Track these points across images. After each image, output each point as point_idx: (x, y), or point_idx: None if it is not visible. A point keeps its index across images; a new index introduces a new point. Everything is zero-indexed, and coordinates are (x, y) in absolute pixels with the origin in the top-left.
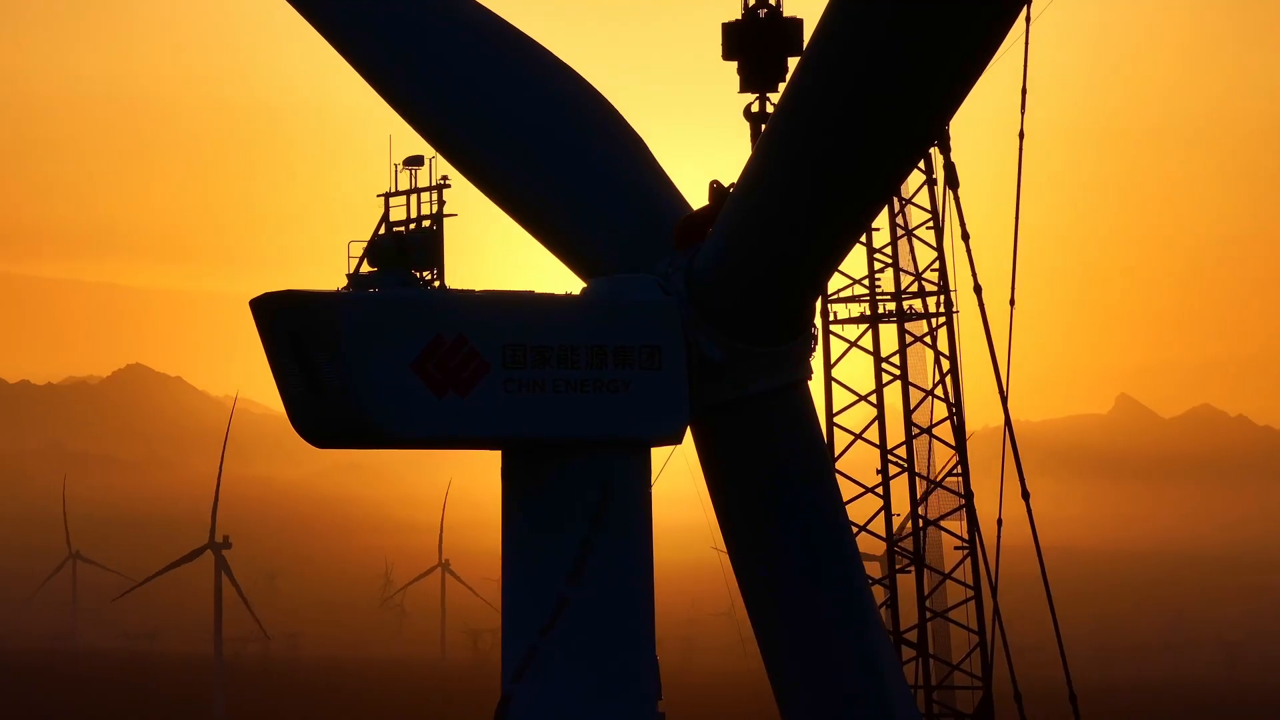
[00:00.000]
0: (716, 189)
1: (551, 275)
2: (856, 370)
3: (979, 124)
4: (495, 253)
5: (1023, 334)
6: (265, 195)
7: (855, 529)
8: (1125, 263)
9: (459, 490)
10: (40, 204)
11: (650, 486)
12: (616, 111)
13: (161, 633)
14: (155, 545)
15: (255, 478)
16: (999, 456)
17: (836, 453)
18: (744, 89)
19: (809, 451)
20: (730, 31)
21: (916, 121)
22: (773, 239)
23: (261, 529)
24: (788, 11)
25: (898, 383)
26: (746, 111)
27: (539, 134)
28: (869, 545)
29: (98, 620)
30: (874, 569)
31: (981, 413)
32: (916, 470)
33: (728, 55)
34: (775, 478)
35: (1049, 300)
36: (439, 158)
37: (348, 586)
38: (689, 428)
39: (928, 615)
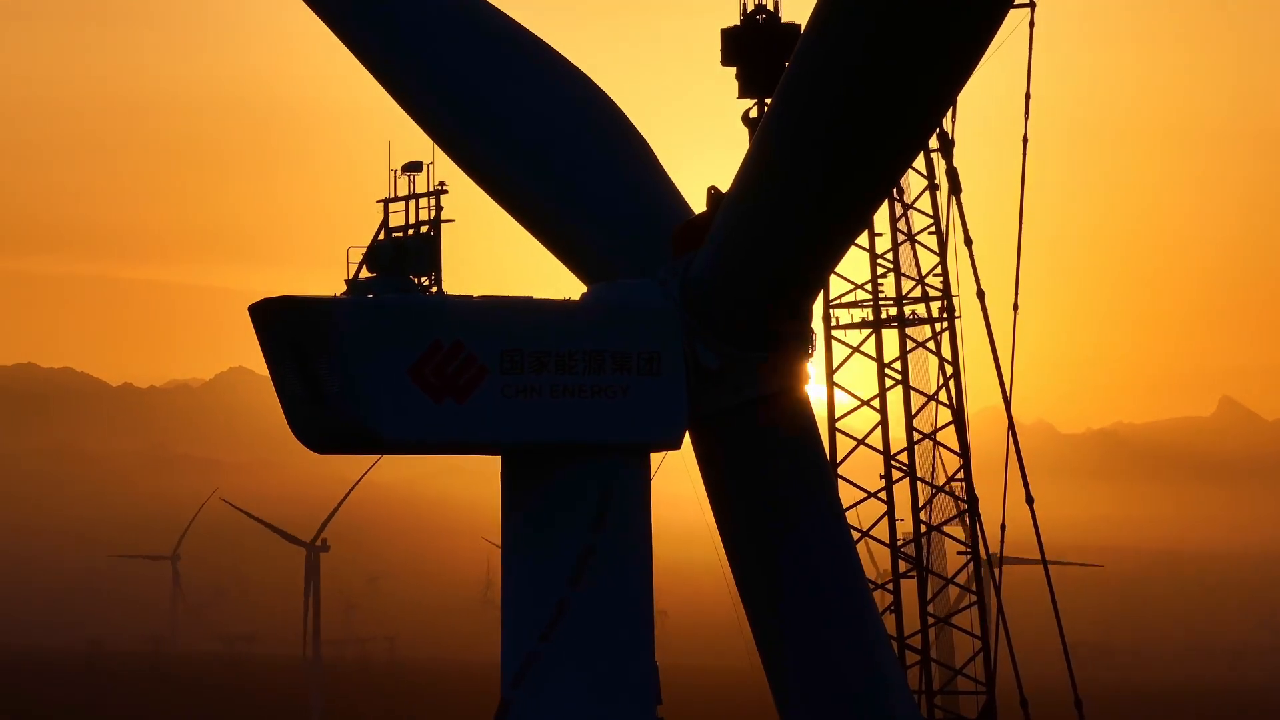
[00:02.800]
0: (714, 195)
1: (548, 280)
2: (860, 375)
3: (985, 129)
4: (493, 258)
5: (1086, 337)
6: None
7: (858, 535)
8: (1227, 264)
9: None
10: (143, 206)
11: (649, 492)
12: (625, 117)
13: (259, 635)
14: (258, 548)
15: (355, 481)
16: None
17: (839, 458)
18: (743, 94)
19: (807, 456)
20: (729, 37)
21: (905, 124)
22: (765, 244)
23: (363, 531)
24: (786, 17)
25: (901, 388)
26: (745, 117)
27: (547, 138)
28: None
29: (196, 622)
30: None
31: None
32: (920, 475)
33: (726, 61)
34: (773, 483)
35: (1150, 303)
36: (437, 163)
37: (448, 589)
38: (687, 433)
39: (931, 621)
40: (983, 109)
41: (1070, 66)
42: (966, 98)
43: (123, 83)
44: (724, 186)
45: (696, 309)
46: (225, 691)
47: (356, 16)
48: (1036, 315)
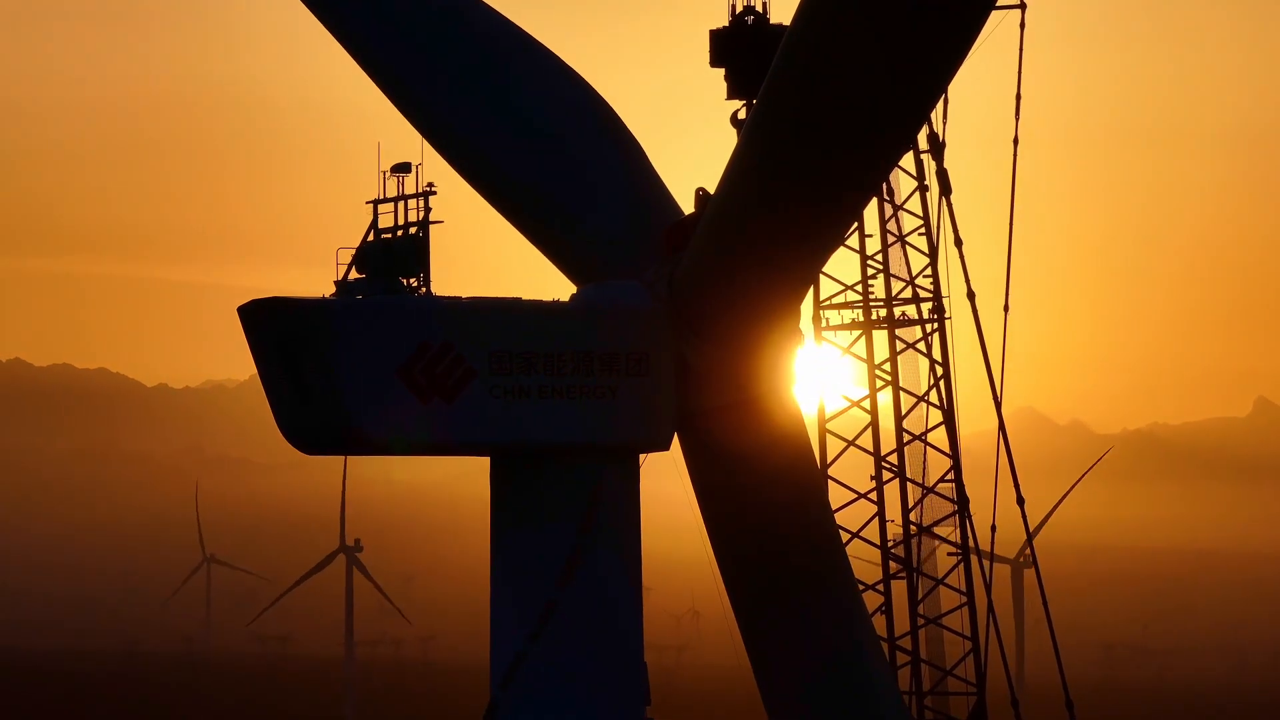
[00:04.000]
0: (703, 197)
1: (537, 282)
2: (850, 376)
3: (980, 130)
4: (481, 259)
5: (1122, 338)
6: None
7: (848, 536)
8: (1263, 264)
9: None
10: (178, 207)
11: (638, 493)
12: (617, 118)
13: (293, 635)
14: (293, 548)
15: (393, 480)
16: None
17: (829, 459)
18: (731, 95)
19: (795, 457)
20: (718, 38)
21: (887, 125)
22: (750, 245)
23: (399, 532)
24: (774, 19)
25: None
26: (734, 118)
27: (538, 137)
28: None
29: (230, 623)
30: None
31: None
32: (910, 476)
33: (715, 62)
34: (761, 483)
35: (1186, 304)
36: (425, 165)
37: (485, 589)
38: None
39: (921, 621)
40: (976, 109)
41: (1070, 66)
42: (958, 99)
43: (157, 84)
44: (713, 188)
45: (684, 310)
46: (259, 692)
47: (352, 15)
48: (1072, 317)
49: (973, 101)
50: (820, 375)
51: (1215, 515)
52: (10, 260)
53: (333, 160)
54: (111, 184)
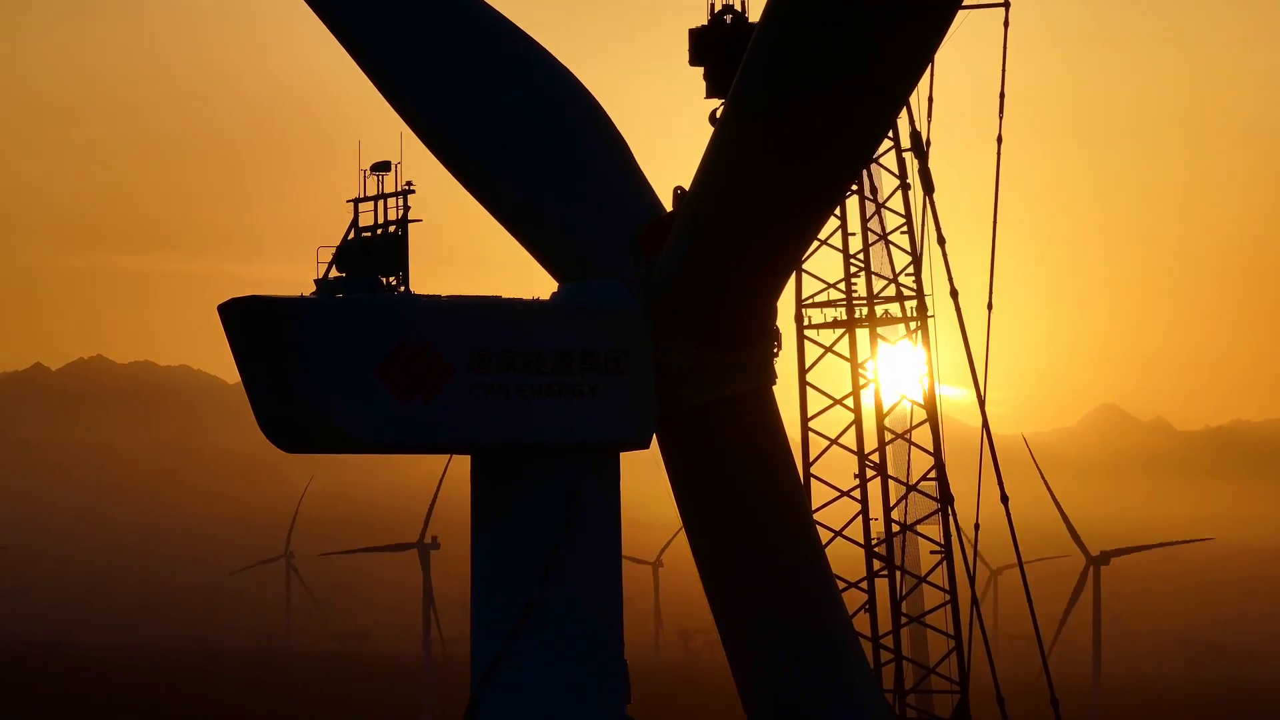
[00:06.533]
0: (680, 195)
1: (516, 280)
2: (835, 375)
3: (964, 128)
4: (461, 257)
5: (1204, 334)
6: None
7: (832, 534)
8: None
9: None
10: (260, 204)
11: (619, 491)
12: (605, 115)
13: (372, 632)
14: (374, 543)
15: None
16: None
17: (812, 458)
18: (710, 94)
19: (773, 456)
20: (697, 37)
21: (854, 124)
22: (723, 244)
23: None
24: (753, 17)
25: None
26: (712, 117)
27: (526, 133)
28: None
29: (308, 621)
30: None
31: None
32: (893, 475)
33: (695, 60)
34: (740, 481)
35: (1268, 300)
36: (404, 163)
37: None
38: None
39: (904, 620)
40: (961, 108)
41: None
42: (942, 97)
43: (236, 81)
44: None
45: (661, 308)
46: (337, 688)
47: (346, 9)
48: (1155, 312)
49: (958, 100)
50: (802, 373)
51: None
52: (91, 257)
53: (319, 158)
54: (192, 181)
